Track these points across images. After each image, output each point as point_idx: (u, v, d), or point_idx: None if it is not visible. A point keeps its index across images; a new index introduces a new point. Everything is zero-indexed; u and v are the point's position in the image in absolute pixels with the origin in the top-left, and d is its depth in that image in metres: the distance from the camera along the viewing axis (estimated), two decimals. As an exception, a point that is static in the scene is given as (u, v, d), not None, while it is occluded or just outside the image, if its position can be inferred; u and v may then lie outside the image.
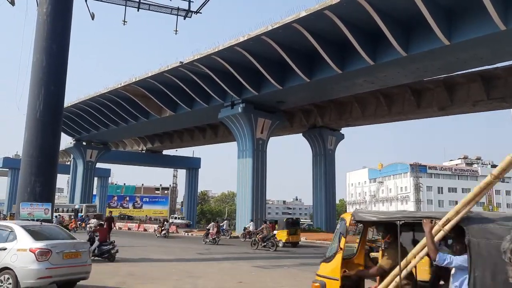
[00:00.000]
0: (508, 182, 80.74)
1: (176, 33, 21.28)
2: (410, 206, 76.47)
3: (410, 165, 78.85)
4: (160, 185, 68.76)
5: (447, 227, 3.86)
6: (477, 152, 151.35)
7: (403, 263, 4.09)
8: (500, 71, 25.71)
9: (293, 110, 36.49)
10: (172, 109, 34.88)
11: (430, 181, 78.19)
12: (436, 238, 3.85)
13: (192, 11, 20.45)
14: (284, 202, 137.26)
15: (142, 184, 65.88)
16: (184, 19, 20.52)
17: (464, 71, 26.18)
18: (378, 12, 19.11)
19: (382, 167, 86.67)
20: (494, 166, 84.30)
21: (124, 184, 62.25)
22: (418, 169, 77.26)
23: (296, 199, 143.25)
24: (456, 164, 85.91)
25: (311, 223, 46.51)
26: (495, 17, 17.08)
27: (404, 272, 4.05)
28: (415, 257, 4.02)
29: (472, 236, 3.72)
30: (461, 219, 3.82)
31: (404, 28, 20.57)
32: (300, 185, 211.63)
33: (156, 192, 67.89)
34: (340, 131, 39.39)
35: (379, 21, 19.29)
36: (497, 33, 18.02)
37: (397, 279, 4.07)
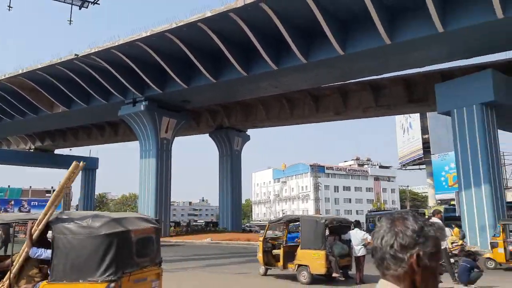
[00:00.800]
0: (393, 181, 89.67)
1: (70, 24, 19.88)
2: (310, 205, 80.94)
3: (310, 165, 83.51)
4: (52, 187, 63.26)
5: (41, 226, 4.88)
6: (367, 154, 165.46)
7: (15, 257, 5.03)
8: (386, 81, 28.56)
9: (199, 110, 36.38)
10: (66, 104, 32.38)
11: (327, 181, 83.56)
12: (35, 236, 4.88)
13: (88, 1, 19.29)
14: (190, 203, 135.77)
15: (30, 187, 60.03)
16: (80, 9, 19.26)
17: (356, 80, 28.59)
18: (280, 19, 19.97)
19: (285, 167, 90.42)
20: (382, 166, 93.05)
21: (9, 186, 56.08)
22: (317, 169, 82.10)
23: (203, 200, 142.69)
24: (350, 165, 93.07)
25: (216, 221, 46.83)
26: (382, 32, 18.94)
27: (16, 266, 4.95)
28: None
29: (56, 232, 4.79)
30: (51, 219, 4.89)
31: (305, 36, 21.78)
32: (207, 186, 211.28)
33: (47, 195, 62.23)
34: (246, 132, 40.27)
35: (281, 27, 20.17)
36: (383, 47, 19.99)
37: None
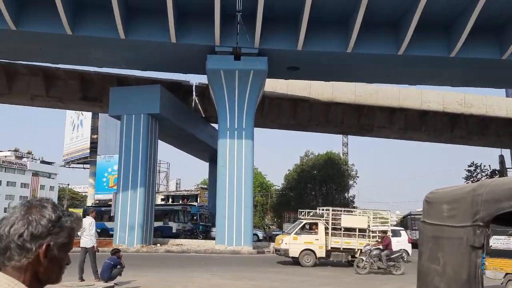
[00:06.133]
0: (54, 179, 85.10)
1: None
2: None
3: (-50, 151, 67.85)
4: None
5: None
6: (29, 146, 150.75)
7: None
8: (61, 72, 27.02)
9: None
10: None
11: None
12: None
13: None
14: None
15: None
16: None
17: (27, 62, 25.69)
18: None
19: None
20: (44, 162, 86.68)
21: None
22: (-41, 157, 67.59)
23: None
24: (5, 156, 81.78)
25: None
26: (63, 19, 17.82)
27: None
28: None
29: None
30: None
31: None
32: None
33: None
34: None
35: None
36: (62, 36, 18.85)
37: None
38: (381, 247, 13.97)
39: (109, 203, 41.85)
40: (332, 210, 16.21)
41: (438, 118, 31.14)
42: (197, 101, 29.57)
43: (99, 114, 44.73)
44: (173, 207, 32.70)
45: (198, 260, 15.90)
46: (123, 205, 22.12)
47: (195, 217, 31.36)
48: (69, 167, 56.37)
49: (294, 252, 15.49)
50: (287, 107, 30.31)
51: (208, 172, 37.65)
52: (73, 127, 52.36)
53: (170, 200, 46.48)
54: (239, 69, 19.81)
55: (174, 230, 28.03)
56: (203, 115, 30.14)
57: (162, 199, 45.95)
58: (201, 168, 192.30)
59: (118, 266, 10.02)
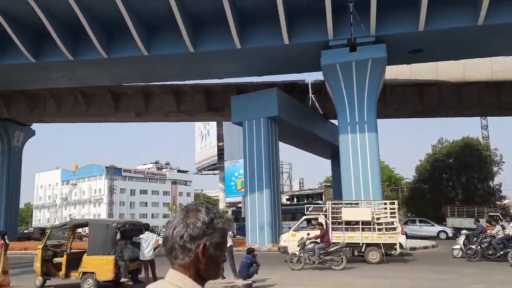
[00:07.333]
0: (189, 185, 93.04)
1: None
2: (102, 209, 76.47)
3: (106, 167, 79.12)
4: None
5: None
6: (166, 158, 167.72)
7: None
8: (188, 88, 29.49)
9: (-32, 96, 30.12)
10: None
11: (124, 184, 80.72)
12: None
13: None
14: None
15: None
16: None
17: (160, 83, 28.60)
18: (79, 6, 18.33)
19: (77, 168, 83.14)
20: (180, 171, 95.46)
21: None
22: (113, 172, 78.39)
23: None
24: (148, 168, 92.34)
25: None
26: (186, 40, 19.46)
27: None
28: None
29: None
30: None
31: (106, 29, 20.55)
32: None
33: None
34: (31, 127, 35.31)
35: (80, 15, 18.54)
36: (187, 54, 20.57)
37: None
38: (318, 240, 12.96)
39: (239, 205, 44.05)
40: (332, 203, 15.71)
41: None
42: (314, 99, 29.46)
43: (223, 122, 47.56)
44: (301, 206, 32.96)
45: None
46: (252, 207, 23.10)
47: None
48: (201, 174, 61.10)
49: (293, 249, 14.47)
50: (411, 93, 28.33)
51: (331, 169, 37.17)
52: (201, 137, 56.63)
53: (295, 199, 47.06)
54: (355, 60, 19.13)
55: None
56: (321, 112, 29.89)
57: (287, 199, 46.78)
58: (323, 166, 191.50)
59: (254, 265, 10.41)
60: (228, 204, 49.18)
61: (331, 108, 24.75)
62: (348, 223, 15.04)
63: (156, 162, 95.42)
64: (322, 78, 22.95)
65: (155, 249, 10.58)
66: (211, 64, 22.59)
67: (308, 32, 19.56)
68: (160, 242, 10.84)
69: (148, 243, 10.52)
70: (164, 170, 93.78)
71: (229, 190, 50.12)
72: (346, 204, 16.34)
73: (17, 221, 34.30)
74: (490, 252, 14.29)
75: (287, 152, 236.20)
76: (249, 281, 10.12)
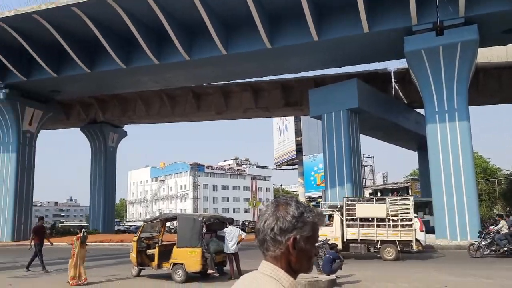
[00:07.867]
0: (268, 181, 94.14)
1: None
2: (188, 204, 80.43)
3: (190, 164, 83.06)
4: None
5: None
6: (245, 154, 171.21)
7: None
8: (265, 84, 29.75)
9: (70, 101, 33.40)
10: None
11: (206, 180, 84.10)
12: None
13: None
14: (56, 203, 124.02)
15: None
16: None
17: (238, 81, 29.23)
18: (164, 13, 19.36)
19: (164, 166, 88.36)
20: (259, 166, 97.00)
21: None
22: (196, 169, 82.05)
23: (71, 200, 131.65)
24: (229, 164, 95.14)
25: (86, 224, 43.42)
26: (263, 36, 19.63)
27: None
28: None
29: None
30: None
31: (188, 32, 21.46)
32: (76, 184, 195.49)
33: None
34: (123, 128, 38.22)
35: (164, 21, 19.56)
36: (264, 50, 20.74)
37: None
38: None
39: (319, 200, 43.54)
40: (347, 200, 15.37)
41: None
42: (397, 88, 28.04)
43: (301, 117, 47.27)
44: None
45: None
46: (333, 201, 22.62)
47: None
48: (280, 169, 61.41)
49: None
50: (509, 76, 25.75)
51: (417, 161, 35.19)
52: (279, 132, 56.88)
53: (379, 194, 45.34)
54: (443, 44, 17.82)
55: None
56: (406, 102, 28.38)
57: (370, 194, 45.21)
58: (408, 158, 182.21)
59: (338, 260, 10.18)
60: (308, 199, 48.86)
61: (416, 96, 23.42)
62: (363, 219, 14.73)
63: (236, 159, 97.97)
64: (406, 66, 21.77)
65: (238, 242, 10.82)
66: (288, 59, 22.54)
67: (389, 18, 18.65)
68: (243, 236, 11.06)
69: (232, 236, 10.79)
70: (244, 166, 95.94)
71: (308, 184, 49.80)
72: (361, 200, 15.79)
73: (113, 215, 37.24)
74: (493, 248, 14.26)
75: (369, 145, 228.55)
76: (333, 276, 9.94)
